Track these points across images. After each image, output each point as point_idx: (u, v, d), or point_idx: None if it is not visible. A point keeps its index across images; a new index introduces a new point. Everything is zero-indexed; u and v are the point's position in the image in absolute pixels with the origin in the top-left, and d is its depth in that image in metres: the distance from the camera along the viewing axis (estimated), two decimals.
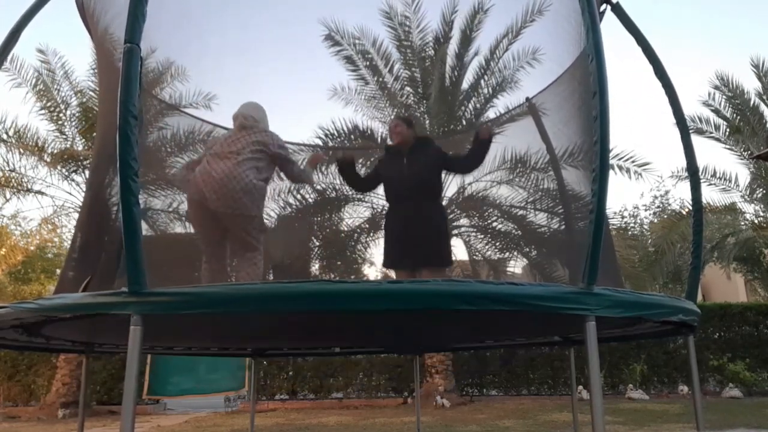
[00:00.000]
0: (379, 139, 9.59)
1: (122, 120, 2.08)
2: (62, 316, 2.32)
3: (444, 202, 4.18)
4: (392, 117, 8.88)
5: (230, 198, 3.38)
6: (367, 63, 9.40)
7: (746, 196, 12.81)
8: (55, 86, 10.87)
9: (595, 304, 2.26)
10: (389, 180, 4.14)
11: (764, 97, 12.30)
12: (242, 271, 3.50)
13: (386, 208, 4.29)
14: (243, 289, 2.30)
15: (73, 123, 11.00)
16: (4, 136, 10.32)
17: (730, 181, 12.65)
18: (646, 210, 21.38)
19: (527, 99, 5.10)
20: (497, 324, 3.27)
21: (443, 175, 4.20)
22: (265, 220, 3.98)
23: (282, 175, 4.02)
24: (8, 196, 10.86)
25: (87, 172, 10.72)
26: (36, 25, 3.48)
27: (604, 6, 3.59)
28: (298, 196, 7.97)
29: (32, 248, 14.43)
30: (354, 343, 4.88)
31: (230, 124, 3.97)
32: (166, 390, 9.74)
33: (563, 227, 5.13)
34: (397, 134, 4.09)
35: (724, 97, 12.54)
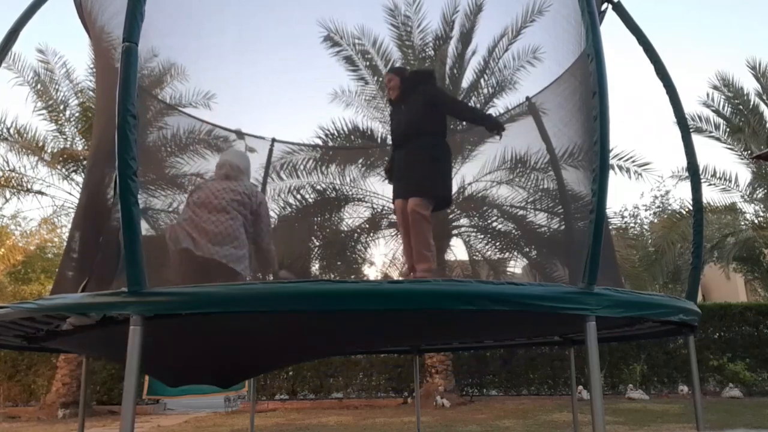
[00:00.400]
0: (379, 139, 9.59)
1: (121, 119, 2.07)
2: (65, 329, 2.31)
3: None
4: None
5: (226, 251, 3.27)
6: (367, 63, 9.40)
7: (746, 196, 12.81)
8: (54, 86, 10.87)
9: (595, 304, 2.26)
10: (393, 128, 4.34)
11: (764, 97, 12.30)
12: None
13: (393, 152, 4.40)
14: (243, 289, 2.30)
15: (72, 123, 11.01)
16: (6, 135, 10.32)
17: (730, 181, 12.65)
18: (646, 210, 21.40)
19: (527, 98, 5.10)
20: (497, 324, 3.27)
21: (440, 115, 4.13)
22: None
23: (254, 226, 3.65)
24: (8, 196, 10.86)
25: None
26: (35, 25, 3.48)
27: (605, 5, 3.59)
28: (298, 196, 7.98)
29: (32, 248, 14.42)
30: (354, 345, 4.88)
31: (230, 124, 3.98)
32: (166, 390, 9.74)
33: (563, 227, 5.13)
34: (391, 89, 4.23)
35: (723, 97, 12.54)
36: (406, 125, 4.07)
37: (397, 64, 9.36)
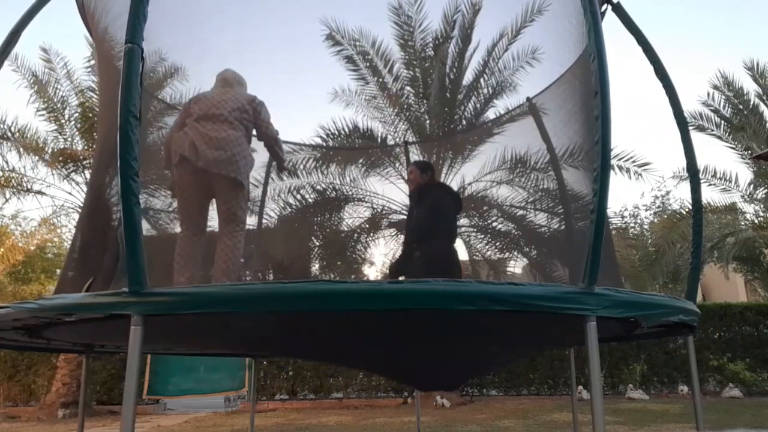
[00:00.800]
0: (379, 139, 9.59)
1: (123, 120, 2.07)
2: (65, 318, 2.32)
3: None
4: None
5: (228, 160, 3.32)
6: (368, 63, 9.40)
7: (746, 196, 12.82)
8: (55, 86, 10.87)
9: (596, 304, 2.26)
10: (406, 222, 4.51)
11: (764, 98, 12.30)
12: (223, 241, 3.40)
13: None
14: (243, 290, 2.30)
15: (72, 123, 11.00)
16: (7, 135, 10.32)
17: (730, 181, 12.65)
18: (646, 210, 21.40)
19: (528, 99, 5.11)
20: (497, 324, 3.26)
21: (447, 218, 4.26)
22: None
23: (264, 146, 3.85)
24: (8, 196, 10.86)
25: (87, 172, 10.72)
26: (36, 24, 3.48)
27: (604, 6, 3.59)
28: (298, 196, 7.99)
29: (32, 248, 14.41)
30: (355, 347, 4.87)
31: None
32: (166, 390, 9.74)
33: (563, 227, 5.13)
34: (409, 181, 4.41)
35: (723, 97, 12.55)
36: (415, 226, 4.26)
37: (398, 64, 9.36)
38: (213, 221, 3.87)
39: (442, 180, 4.22)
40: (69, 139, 11.04)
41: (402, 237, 8.96)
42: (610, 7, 3.58)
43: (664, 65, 3.59)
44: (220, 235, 3.45)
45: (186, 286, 2.90)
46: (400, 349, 3.16)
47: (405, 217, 8.38)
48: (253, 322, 2.60)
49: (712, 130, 12.60)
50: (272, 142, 3.75)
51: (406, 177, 6.45)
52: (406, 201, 7.43)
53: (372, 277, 10.09)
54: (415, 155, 8.04)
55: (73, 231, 6.16)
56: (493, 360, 4.02)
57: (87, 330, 2.88)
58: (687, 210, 12.28)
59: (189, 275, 3.33)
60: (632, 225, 20.61)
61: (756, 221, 12.86)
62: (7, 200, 10.93)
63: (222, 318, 2.35)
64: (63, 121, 10.96)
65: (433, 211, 4.12)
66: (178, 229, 5.54)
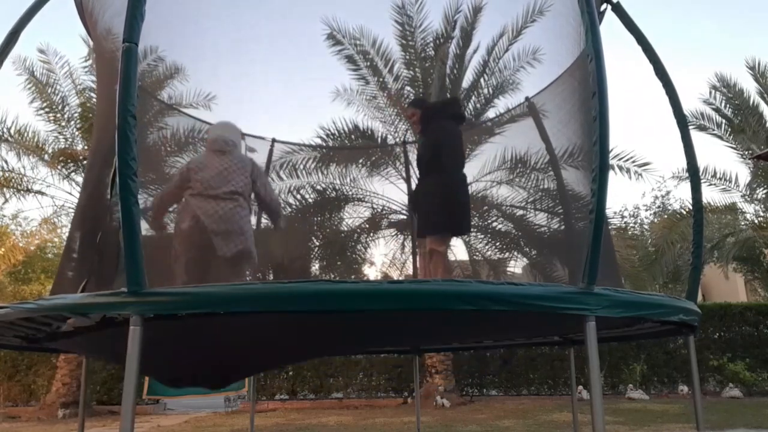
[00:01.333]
0: (379, 139, 9.59)
1: (121, 119, 2.07)
2: (65, 330, 2.32)
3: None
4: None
5: (239, 241, 3.49)
6: (368, 63, 9.40)
7: (746, 196, 12.82)
8: (55, 86, 10.87)
9: (595, 304, 2.26)
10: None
11: (765, 96, 12.30)
12: None
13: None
14: (243, 289, 2.30)
15: (72, 123, 11.00)
16: (6, 136, 10.32)
17: (730, 181, 12.65)
18: (646, 210, 21.40)
19: (527, 99, 5.10)
20: (497, 324, 3.27)
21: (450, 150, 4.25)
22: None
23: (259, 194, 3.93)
24: (8, 196, 10.86)
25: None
26: (36, 24, 3.48)
27: (604, 6, 3.59)
28: (298, 196, 7.99)
29: (32, 248, 14.42)
30: (354, 346, 4.88)
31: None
32: (166, 390, 9.73)
33: (563, 227, 5.13)
34: (411, 123, 4.56)
35: (724, 98, 12.54)
36: (418, 162, 4.40)
37: (398, 64, 9.37)
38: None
39: (444, 153, 4.23)
40: (69, 139, 11.04)
41: (401, 237, 9.00)
42: (609, 6, 3.58)
43: (663, 65, 3.59)
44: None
45: (187, 286, 2.90)
46: (396, 330, 3.19)
47: (405, 217, 8.41)
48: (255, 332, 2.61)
49: (713, 130, 12.60)
50: (274, 206, 3.96)
51: (404, 177, 6.49)
52: (406, 201, 7.44)
53: (372, 277, 10.08)
54: (415, 155, 8.04)
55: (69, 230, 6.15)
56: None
57: (85, 341, 2.87)
58: (687, 210, 12.28)
59: None
60: (632, 225, 20.62)
61: (756, 221, 12.85)
62: (6, 200, 10.94)
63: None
64: (63, 122, 10.96)
65: (430, 146, 4.16)
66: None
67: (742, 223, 13.46)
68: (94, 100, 10.56)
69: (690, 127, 3.71)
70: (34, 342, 2.92)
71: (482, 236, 8.81)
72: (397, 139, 9.59)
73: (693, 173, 3.62)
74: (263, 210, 3.93)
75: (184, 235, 3.50)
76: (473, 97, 9.37)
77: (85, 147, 10.88)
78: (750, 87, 12.62)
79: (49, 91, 10.80)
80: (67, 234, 14.54)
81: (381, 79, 9.57)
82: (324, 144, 9.14)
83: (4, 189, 10.69)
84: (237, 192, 3.57)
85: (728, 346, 10.87)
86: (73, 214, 11.29)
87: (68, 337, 2.70)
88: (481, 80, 9.11)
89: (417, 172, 4.57)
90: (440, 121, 4.29)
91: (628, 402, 9.45)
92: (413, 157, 7.83)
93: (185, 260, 3.50)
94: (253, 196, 3.81)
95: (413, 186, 4.93)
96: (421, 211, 4.26)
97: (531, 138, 5.11)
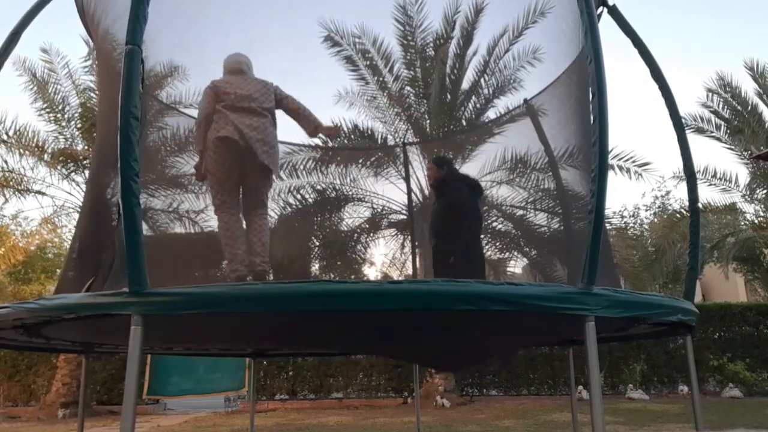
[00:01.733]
0: (379, 140, 9.59)
1: (123, 121, 2.08)
2: (65, 316, 2.33)
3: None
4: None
5: (272, 154, 3.61)
6: (368, 62, 9.40)
7: (746, 196, 12.81)
8: (55, 86, 10.86)
9: (595, 304, 2.27)
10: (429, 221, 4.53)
11: (764, 97, 12.29)
12: (256, 222, 3.66)
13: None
14: (243, 289, 2.31)
15: (72, 123, 11.00)
16: (5, 137, 10.32)
17: (730, 182, 12.64)
18: (646, 210, 21.40)
19: (525, 101, 5.11)
20: (498, 327, 3.28)
21: (462, 215, 4.27)
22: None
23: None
24: (8, 196, 10.85)
25: (87, 172, 10.72)
26: (36, 24, 3.49)
27: (600, 9, 3.59)
28: (298, 196, 7.99)
29: (32, 248, 14.41)
30: (354, 346, 4.90)
31: None
32: (166, 390, 9.75)
33: (563, 227, 5.14)
34: (428, 177, 4.48)
35: (722, 99, 12.53)
36: (431, 219, 4.34)
37: (398, 64, 9.37)
38: (212, 220, 3.96)
39: (457, 218, 4.17)
40: (69, 139, 11.04)
41: (401, 237, 9.01)
42: (605, 9, 3.58)
43: (660, 67, 3.59)
44: (250, 217, 3.70)
45: (187, 286, 2.91)
46: (398, 338, 3.19)
47: (405, 217, 8.42)
48: (253, 321, 2.61)
49: (712, 132, 12.59)
50: (308, 113, 4.01)
51: (404, 177, 6.45)
52: (406, 201, 7.45)
53: (372, 277, 10.09)
54: (415, 155, 8.05)
55: (74, 231, 6.16)
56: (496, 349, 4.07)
57: (86, 327, 2.88)
58: (687, 210, 12.25)
59: (244, 248, 3.56)
60: (632, 225, 20.62)
61: (756, 221, 12.85)
62: (6, 200, 10.94)
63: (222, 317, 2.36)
64: (63, 122, 10.96)
65: (449, 207, 4.12)
66: (178, 229, 5.55)
67: (742, 223, 13.47)
68: (95, 100, 10.57)
69: (688, 130, 3.73)
70: (34, 330, 2.91)
71: (482, 236, 8.81)
72: (398, 140, 9.59)
73: (689, 175, 3.63)
74: (300, 120, 3.98)
75: (222, 142, 3.54)
76: (473, 97, 9.37)
77: (86, 147, 10.88)
78: (749, 87, 12.63)
79: (50, 90, 10.80)
80: (67, 234, 14.58)
81: (381, 79, 9.58)
82: (324, 144, 9.15)
83: (4, 189, 10.68)
84: (266, 108, 3.70)
85: (728, 346, 10.87)
86: (74, 214, 11.32)
87: (69, 323, 2.69)
88: (482, 80, 9.12)
89: (430, 235, 4.48)
90: (459, 183, 4.31)
91: (628, 402, 9.46)
92: (413, 157, 7.88)
93: (226, 166, 3.56)
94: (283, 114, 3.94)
95: (413, 186, 4.85)
96: (441, 275, 4.16)
97: (531, 138, 5.12)
